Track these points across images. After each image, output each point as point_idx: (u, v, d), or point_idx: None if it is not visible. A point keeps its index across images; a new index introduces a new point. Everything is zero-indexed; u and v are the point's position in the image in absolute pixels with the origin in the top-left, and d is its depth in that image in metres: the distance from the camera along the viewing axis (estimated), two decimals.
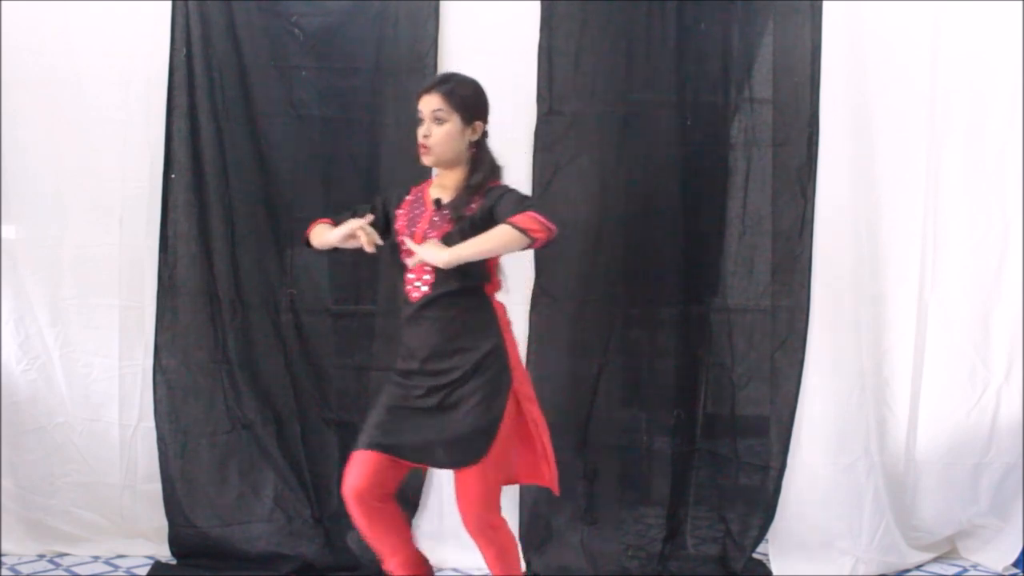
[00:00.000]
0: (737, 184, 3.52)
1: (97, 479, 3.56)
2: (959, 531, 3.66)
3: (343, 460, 3.53)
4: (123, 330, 3.53)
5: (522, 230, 2.56)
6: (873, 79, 3.45)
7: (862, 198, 3.47)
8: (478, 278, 2.72)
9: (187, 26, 3.43)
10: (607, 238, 3.52)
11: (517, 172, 3.47)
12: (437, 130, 2.69)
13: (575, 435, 3.55)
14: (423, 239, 2.65)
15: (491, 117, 3.45)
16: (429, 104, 2.70)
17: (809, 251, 3.43)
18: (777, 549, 3.50)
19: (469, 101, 2.73)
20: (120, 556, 3.56)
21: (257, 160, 3.51)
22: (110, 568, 3.48)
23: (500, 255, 2.71)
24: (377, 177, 3.55)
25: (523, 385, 2.78)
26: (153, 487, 3.51)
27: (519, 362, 2.81)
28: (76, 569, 3.47)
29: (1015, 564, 3.56)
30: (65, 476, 3.56)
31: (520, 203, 2.65)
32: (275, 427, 3.54)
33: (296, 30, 3.50)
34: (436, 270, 2.63)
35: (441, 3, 3.47)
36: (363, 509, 2.69)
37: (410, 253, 2.64)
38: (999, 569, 3.57)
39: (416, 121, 3.46)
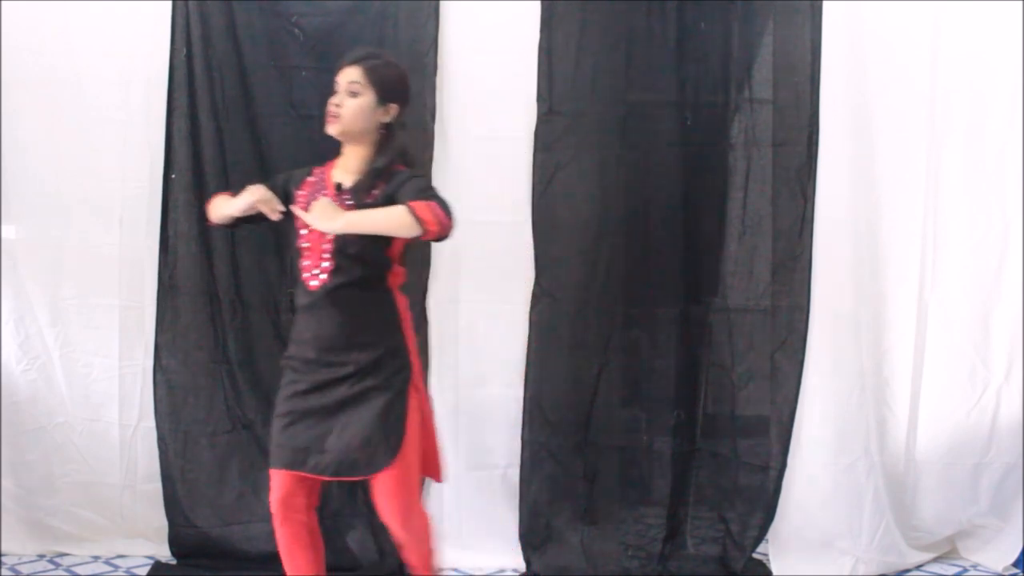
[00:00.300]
0: (737, 184, 3.52)
1: (97, 479, 3.56)
2: (959, 531, 3.66)
3: None
4: (123, 330, 3.53)
5: (417, 218, 2.51)
6: (873, 79, 3.45)
7: (862, 198, 3.47)
8: (380, 267, 2.66)
9: (187, 26, 3.43)
10: (607, 238, 3.52)
11: (517, 172, 3.49)
12: (350, 102, 2.64)
13: (575, 435, 3.55)
14: None
15: (491, 117, 3.49)
16: (347, 76, 2.65)
17: (809, 251, 3.43)
18: (777, 549, 3.50)
19: (388, 81, 2.67)
20: (120, 556, 3.57)
21: (257, 160, 3.51)
22: (110, 568, 3.48)
23: (390, 235, 2.60)
24: None
25: (419, 379, 2.74)
26: (153, 487, 3.51)
27: (416, 355, 2.76)
28: (76, 569, 3.47)
29: (1015, 564, 3.56)
30: (65, 476, 3.56)
31: (424, 191, 2.61)
32: None
33: (296, 30, 3.50)
34: (335, 257, 2.59)
35: (441, 3, 3.47)
36: (289, 525, 2.69)
37: (310, 237, 2.60)
38: (999, 569, 3.57)
39: (413, 118, 3.49)
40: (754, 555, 3.51)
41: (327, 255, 2.60)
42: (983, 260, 3.53)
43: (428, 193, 2.61)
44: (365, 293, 2.65)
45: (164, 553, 3.53)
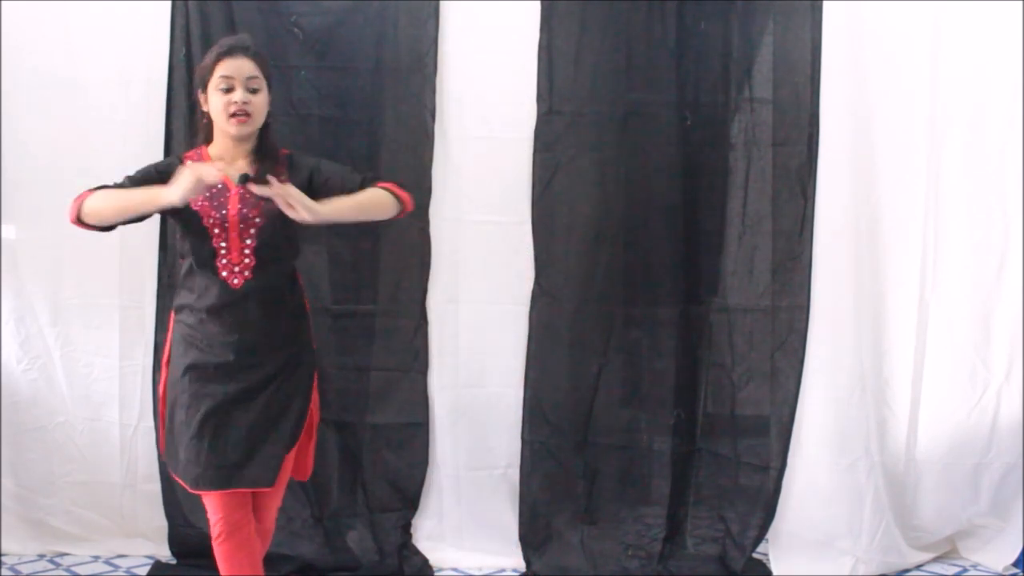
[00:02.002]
0: (737, 184, 3.52)
1: (97, 479, 3.56)
2: (959, 531, 3.66)
3: (343, 460, 3.57)
4: (123, 330, 3.53)
5: (396, 196, 2.52)
6: (873, 79, 3.44)
7: (862, 198, 3.47)
8: (294, 260, 2.62)
9: (187, 26, 3.42)
10: (607, 238, 3.52)
11: (517, 172, 3.49)
12: (255, 98, 2.51)
13: (575, 435, 3.55)
14: (240, 219, 2.49)
15: (491, 117, 3.50)
16: (242, 70, 2.50)
17: (809, 251, 3.43)
18: (777, 549, 3.50)
19: (269, 71, 2.58)
20: (120, 556, 3.57)
21: None
22: (110, 568, 3.48)
23: (371, 219, 2.60)
24: (377, 177, 3.54)
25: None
26: (153, 487, 3.51)
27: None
28: (76, 569, 3.47)
29: (1015, 564, 3.56)
30: (66, 476, 3.56)
31: (353, 171, 2.62)
32: None
33: (296, 30, 3.50)
34: (257, 253, 2.50)
35: (441, 3, 3.46)
36: (235, 538, 2.60)
37: (229, 233, 2.49)
38: (999, 569, 3.57)
39: (413, 118, 3.49)
40: (754, 555, 3.51)
41: (248, 251, 2.51)
42: (983, 260, 3.53)
43: (368, 175, 2.62)
44: (283, 288, 2.60)
45: (164, 553, 3.53)
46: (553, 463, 3.54)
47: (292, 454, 2.62)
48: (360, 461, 3.57)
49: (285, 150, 2.66)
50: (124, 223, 2.51)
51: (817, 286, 3.44)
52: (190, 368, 2.53)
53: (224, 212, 2.51)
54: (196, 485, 2.54)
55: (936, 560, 3.65)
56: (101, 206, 2.44)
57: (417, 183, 3.48)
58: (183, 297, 2.58)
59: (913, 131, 3.47)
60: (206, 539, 3.42)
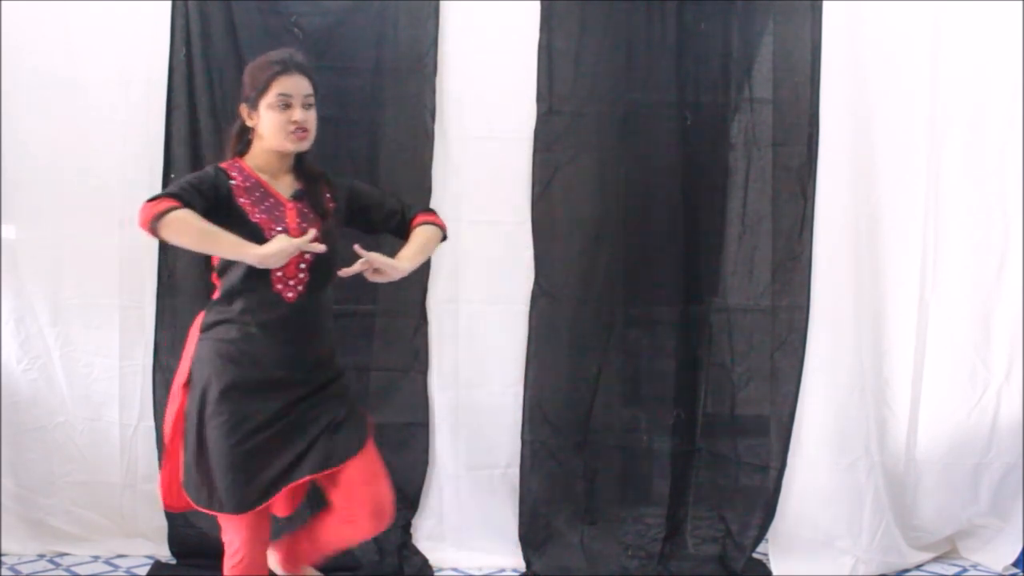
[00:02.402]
0: (737, 184, 3.52)
1: (97, 479, 3.56)
2: (959, 531, 3.66)
3: None
4: (123, 330, 3.53)
5: (442, 231, 2.68)
6: (873, 79, 3.44)
7: (862, 198, 3.47)
8: (335, 275, 2.59)
9: (187, 26, 3.42)
10: (607, 238, 3.52)
11: (517, 172, 3.49)
12: (310, 115, 2.52)
13: (575, 435, 3.55)
14: (300, 232, 2.45)
15: (491, 117, 3.50)
16: (300, 87, 2.50)
17: (809, 251, 3.43)
18: (777, 549, 3.50)
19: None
20: (120, 556, 3.57)
21: None
22: (110, 568, 3.48)
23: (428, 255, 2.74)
24: (377, 177, 3.55)
25: None
26: (153, 487, 3.49)
27: None
28: (76, 569, 3.47)
29: (1015, 564, 3.56)
30: (65, 476, 3.56)
31: (386, 195, 2.72)
32: None
33: (296, 30, 3.50)
34: (312, 269, 2.48)
35: (441, 3, 3.47)
36: (257, 554, 2.59)
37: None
38: (999, 569, 3.57)
39: (413, 119, 3.49)
40: (754, 555, 3.51)
41: (305, 265, 2.48)
42: (983, 260, 3.53)
43: (405, 203, 2.72)
44: (330, 304, 2.61)
45: (164, 553, 3.53)
46: (553, 463, 3.54)
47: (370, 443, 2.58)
48: None
49: (320, 170, 2.65)
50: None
51: (817, 286, 3.44)
52: (231, 387, 2.46)
53: (284, 226, 2.48)
54: (241, 506, 2.46)
55: (936, 560, 3.65)
56: (183, 232, 2.35)
57: (417, 183, 3.48)
58: (220, 313, 2.50)
59: (913, 131, 3.48)
60: (206, 539, 3.45)
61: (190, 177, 2.50)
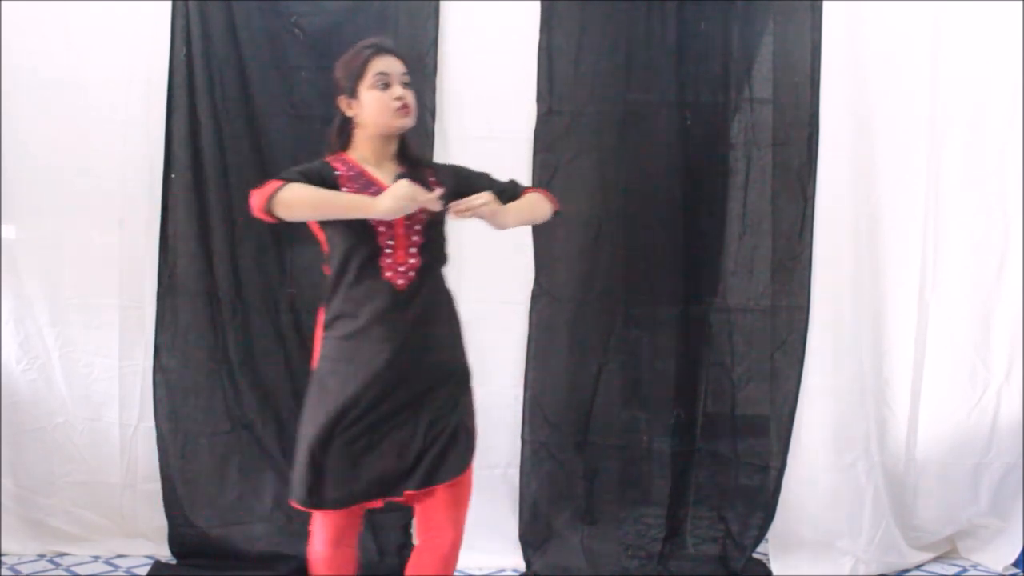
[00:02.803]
0: (737, 184, 3.52)
1: (97, 479, 3.56)
2: (959, 531, 3.66)
3: None
4: (123, 330, 3.53)
5: (552, 205, 2.60)
6: (873, 79, 3.45)
7: (862, 198, 3.47)
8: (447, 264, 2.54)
9: (187, 26, 3.43)
10: (607, 238, 3.52)
11: (517, 172, 3.48)
12: (409, 93, 2.48)
13: (575, 435, 3.55)
14: (405, 217, 2.39)
15: (491, 117, 3.49)
16: (395, 66, 2.47)
17: (809, 251, 3.43)
18: (777, 549, 3.50)
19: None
20: (120, 556, 3.57)
21: (257, 160, 3.51)
22: (110, 568, 3.48)
23: (536, 223, 2.67)
24: None
25: None
26: (153, 487, 3.51)
27: None
28: (76, 569, 3.47)
29: (1015, 564, 3.56)
30: (65, 476, 3.57)
31: (493, 177, 2.62)
32: (275, 427, 3.53)
33: (296, 30, 3.50)
34: (422, 252, 2.43)
35: (441, 3, 3.47)
36: (339, 559, 2.52)
37: (397, 232, 2.41)
38: (999, 569, 3.57)
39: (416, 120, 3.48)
40: (754, 555, 3.51)
41: (415, 249, 2.43)
42: (983, 260, 3.53)
43: (514, 180, 2.64)
44: (443, 291, 2.54)
45: (164, 553, 3.53)
46: (553, 463, 3.54)
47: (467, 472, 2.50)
48: None
49: (421, 153, 2.65)
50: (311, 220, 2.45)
51: (817, 286, 3.44)
52: (345, 383, 2.41)
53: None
54: (316, 502, 2.42)
55: (936, 560, 3.65)
56: (299, 204, 2.33)
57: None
58: (338, 307, 2.46)
59: (913, 131, 3.48)
60: (206, 539, 3.46)
61: (295, 168, 2.45)
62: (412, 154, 2.56)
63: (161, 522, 3.50)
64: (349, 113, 2.51)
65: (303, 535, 3.46)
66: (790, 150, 3.43)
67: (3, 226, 3.51)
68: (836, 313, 3.46)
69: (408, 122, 2.49)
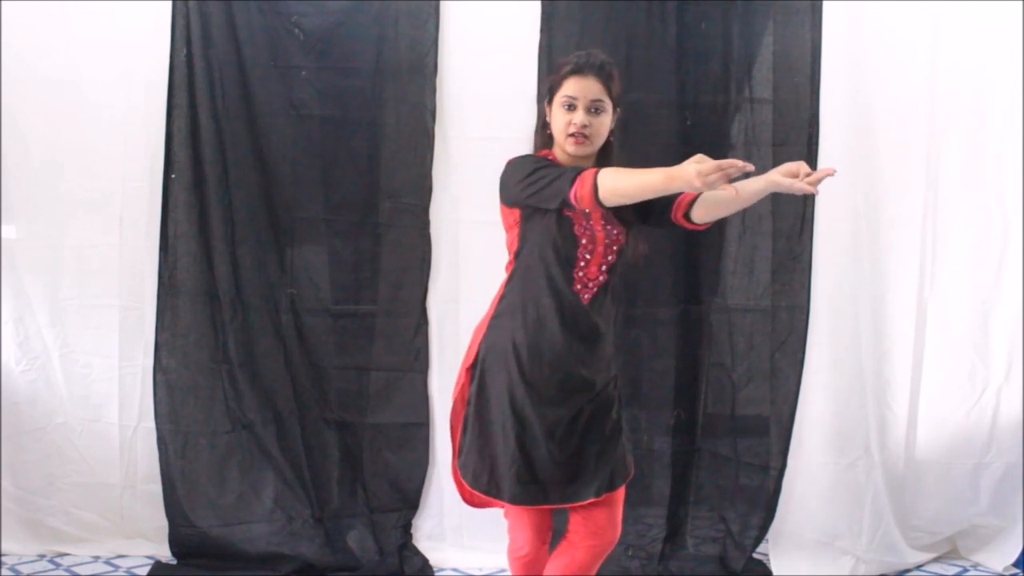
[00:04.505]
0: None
1: (97, 479, 3.56)
2: (959, 531, 3.66)
3: (343, 460, 3.56)
4: (123, 330, 3.52)
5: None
6: (873, 79, 3.45)
7: (862, 198, 3.47)
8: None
9: (187, 26, 3.42)
10: None
11: None
12: (597, 119, 2.44)
13: None
14: (606, 236, 2.45)
15: (491, 117, 3.49)
16: (587, 90, 2.43)
17: (809, 251, 3.43)
18: (777, 549, 3.50)
19: (618, 88, 2.50)
20: (120, 556, 3.56)
21: (257, 160, 3.51)
22: (110, 568, 3.48)
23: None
24: (377, 177, 3.55)
25: None
26: (153, 487, 3.51)
27: None
28: (76, 569, 3.46)
29: (1015, 564, 3.56)
30: (65, 476, 3.56)
31: None
32: (275, 427, 3.54)
33: (296, 30, 3.50)
34: (611, 271, 2.46)
35: (441, 3, 3.47)
36: (540, 561, 2.60)
37: (592, 244, 2.43)
38: (999, 569, 3.57)
39: (413, 119, 3.48)
40: (754, 555, 3.51)
41: (606, 267, 2.46)
42: (983, 260, 3.53)
43: None
44: (611, 303, 2.54)
45: (164, 553, 3.52)
46: None
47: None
48: (360, 461, 3.57)
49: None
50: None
51: (817, 286, 3.44)
52: (519, 380, 2.43)
53: (590, 222, 2.45)
54: (519, 498, 2.46)
55: (936, 560, 3.65)
56: (622, 185, 2.26)
57: (417, 183, 3.49)
58: (514, 301, 2.48)
59: (913, 131, 3.48)
60: (206, 539, 3.46)
61: (540, 161, 2.44)
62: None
63: (161, 522, 3.50)
64: (548, 119, 2.52)
65: (303, 535, 3.49)
66: (790, 150, 3.43)
67: (3, 226, 3.51)
68: (836, 313, 3.46)
69: (582, 151, 2.46)
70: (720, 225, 3.53)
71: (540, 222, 2.43)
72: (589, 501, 2.47)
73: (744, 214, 3.50)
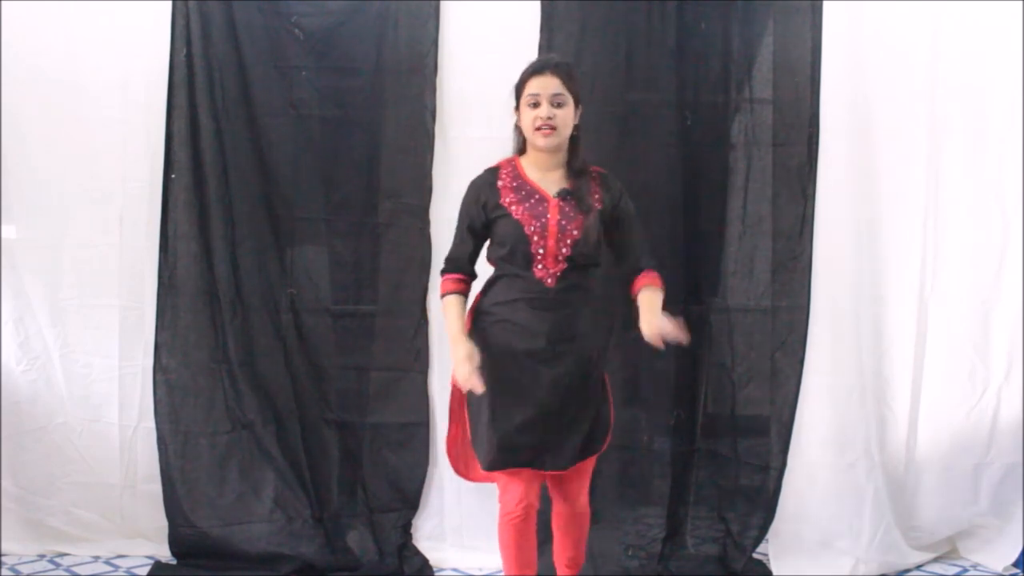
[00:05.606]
0: (737, 184, 3.52)
1: (97, 479, 3.56)
2: (959, 531, 3.66)
3: (343, 460, 3.56)
4: (123, 330, 3.53)
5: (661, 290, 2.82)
6: (873, 79, 3.45)
7: (862, 198, 3.47)
8: (594, 269, 2.81)
9: (187, 26, 3.43)
10: None
11: None
12: (560, 112, 2.70)
13: None
14: (559, 231, 2.69)
15: (491, 117, 3.47)
16: (547, 86, 2.70)
17: (809, 251, 3.43)
18: (777, 549, 3.50)
19: (577, 85, 2.75)
20: (120, 556, 3.56)
21: (257, 160, 3.51)
22: (110, 568, 3.48)
23: None
24: (377, 177, 3.55)
25: None
26: (153, 487, 3.51)
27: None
28: (76, 569, 3.47)
29: (1015, 564, 3.56)
30: (65, 476, 3.56)
31: (637, 227, 2.86)
32: (275, 427, 3.54)
33: (296, 30, 3.50)
34: (569, 260, 2.70)
35: (441, 3, 3.47)
36: (528, 523, 2.80)
37: (546, 243, 2.69)
38: (999, 569, 3.57)
39: (413, 119, 3.49)
40: (754, 555, 3.51)
41: (563, 258, 2.71)
42: (983, 260, 3.53)
43: (642, 255, 2.86)
44: (590, 287, 2.79)
45: (164, 553, 3.52)
46: None
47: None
48: (360, 461, 3.57)
49: (598, 168, 2.85)
50: None
51: (817, 286, 3.44)
52: (500, 351, 2.71)
53: (544, 221, 2.71)
54: (493, 463, 2.73)
55: (936, 560, 3.65)
56: (443, 310, 2.80)
57: (417, 183, 3.49)
58: (495, 296, 2.78)
59: (913, 131, 3.48)
60: (206, 539, 3.46)
61: (461, 220, 2.83)
62: (576, 166, 2.78)
63: (161, 522, 3.50)
64: (518, 123, 2.80)
65: (303, 535, 3.49)
66: (790, 150, 3.43)
67: (3, 226, 3.51)
68: (836, 313, 3.46)
69: (551, 142, 2.72)
70: (720, 225, 3.55)
71: (498, 225, 2.76)
72: (562, 472, 2.77)
73: (744, 214, 3.51)
